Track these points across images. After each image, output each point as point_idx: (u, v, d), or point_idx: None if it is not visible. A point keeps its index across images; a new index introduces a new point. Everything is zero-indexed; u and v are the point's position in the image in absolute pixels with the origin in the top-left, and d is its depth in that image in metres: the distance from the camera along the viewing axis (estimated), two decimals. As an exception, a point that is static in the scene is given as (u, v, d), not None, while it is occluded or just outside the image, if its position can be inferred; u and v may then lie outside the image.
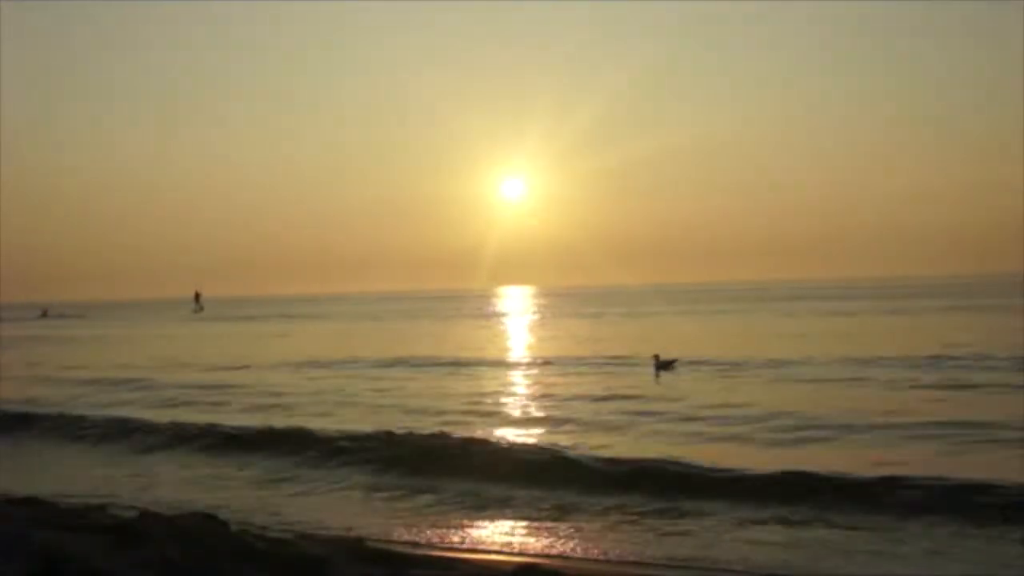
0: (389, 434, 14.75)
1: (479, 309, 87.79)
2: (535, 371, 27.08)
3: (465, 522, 10.25)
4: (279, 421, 17.35)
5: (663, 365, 24.41)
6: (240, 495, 11.95)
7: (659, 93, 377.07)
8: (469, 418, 17.67)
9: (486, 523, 10.23)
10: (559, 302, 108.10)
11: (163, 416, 18.56)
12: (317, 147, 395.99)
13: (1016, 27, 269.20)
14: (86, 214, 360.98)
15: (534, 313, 77.11)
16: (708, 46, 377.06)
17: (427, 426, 15.97)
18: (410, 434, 14.77)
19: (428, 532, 9.83)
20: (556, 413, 17.89)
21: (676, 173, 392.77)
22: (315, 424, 16.50)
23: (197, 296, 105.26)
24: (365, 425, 16.09)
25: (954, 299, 70.76)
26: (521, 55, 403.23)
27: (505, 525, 10.10)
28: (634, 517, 10.13)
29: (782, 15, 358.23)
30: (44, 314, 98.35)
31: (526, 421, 17.48)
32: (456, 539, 9.59)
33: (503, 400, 20.56)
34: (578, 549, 9.03)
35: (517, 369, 28.34)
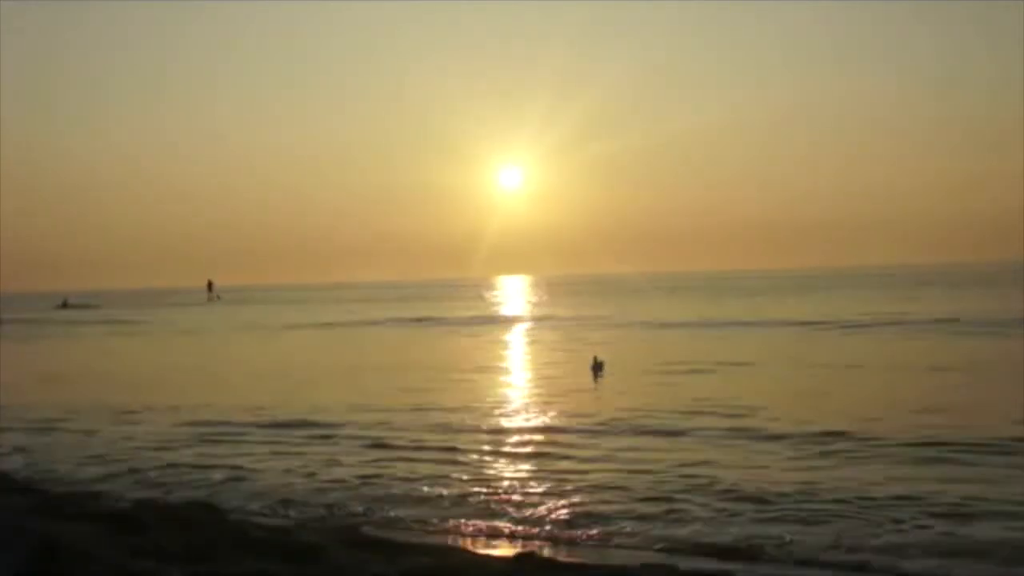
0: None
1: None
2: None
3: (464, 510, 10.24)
4: None
5: (599, 367, 22.65)
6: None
7: (656, 84, 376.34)
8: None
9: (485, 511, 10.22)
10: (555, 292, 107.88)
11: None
12: (317, 137, 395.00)
13: (1015, 19, 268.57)
14: (86, 203, 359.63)
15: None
16: (704, 39, 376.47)
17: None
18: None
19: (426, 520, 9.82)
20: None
21: (672, 162, 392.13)
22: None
23: (210, 285, 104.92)
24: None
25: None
26: (519, 45, 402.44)
27: (504, 514, 10.09)
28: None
29: (776, 10, 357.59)
30: (64, 304, 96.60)
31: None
32: (454, 527, 9.60)
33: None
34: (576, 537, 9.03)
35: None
